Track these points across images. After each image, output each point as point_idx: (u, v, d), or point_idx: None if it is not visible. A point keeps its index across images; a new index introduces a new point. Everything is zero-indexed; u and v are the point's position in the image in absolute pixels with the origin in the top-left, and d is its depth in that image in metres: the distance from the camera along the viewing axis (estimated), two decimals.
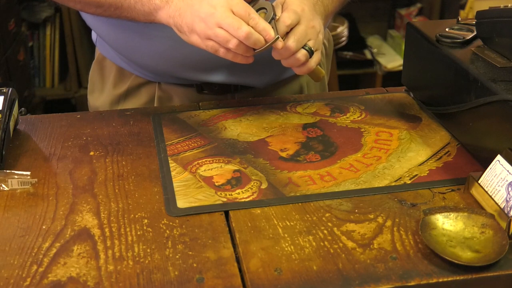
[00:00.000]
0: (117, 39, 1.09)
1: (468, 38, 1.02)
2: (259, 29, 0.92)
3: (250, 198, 0.87)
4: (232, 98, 1.20)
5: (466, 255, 0.74)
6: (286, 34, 0.96)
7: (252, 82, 1.14)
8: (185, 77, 1.14)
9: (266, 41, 0.93)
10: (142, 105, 1.21)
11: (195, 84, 1.17)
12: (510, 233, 0.77)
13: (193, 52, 1.03)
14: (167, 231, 0.80)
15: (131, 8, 1.01)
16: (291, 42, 0.95)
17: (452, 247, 0.75)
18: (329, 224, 0.81)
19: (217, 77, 1.14)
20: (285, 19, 0.95)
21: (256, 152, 0.99)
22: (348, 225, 0.81)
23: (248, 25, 0.92)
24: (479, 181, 0.85)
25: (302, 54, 0.97)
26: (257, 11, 0.96)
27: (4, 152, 0.94)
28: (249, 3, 0.97)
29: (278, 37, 0.93)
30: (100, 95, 1.27)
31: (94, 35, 1.27)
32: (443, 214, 0.80)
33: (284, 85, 1.24)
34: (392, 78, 2.94)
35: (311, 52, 0.97)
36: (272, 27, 0.94)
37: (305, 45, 0.97)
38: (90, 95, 1.31)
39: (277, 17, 0.95)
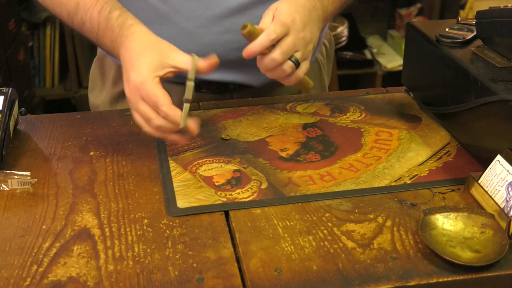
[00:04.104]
0: None
1: (468, 38, 1.02)
2: (170, 120, 0.90)
3: (250, 198, 0.87)
4: (230, 97, 1.20)
5: (466, 255, 0.74)
6: (273, 45, 0.95)
7: (249, 81, 1.14)
8: (182, 75, 1.15)
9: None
10: None
11: None
12: (510, 233, 0.77)
13: (189, 50, 1.03)
14: (167, 231, 0.80)
15: (96, 38, 1.02)
16: (277, 54, 0.95)
17: (452, 247, 0.75)
18: (329, 224, 0.81)
19: (214, 75, 1.13)
20: (270, 32, 0.95)
21: (256, 152, 0.99)
22: (348, 225, 0.81)
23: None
24: (479, 181, 0.85)
25: (288, 65, 0.97)
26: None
27: (4, 152, 0.94)
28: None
29: (181, 128, 0.90)
30: (100, 93, 1.27)
31: None
32: (443, 214, 0.80)
33: (282, 85, 1.23)
34: (392, 78, 2.94)
35: (297, 64, 0.97)
36: (185, 113, 0.90)
37: (291, 56, 0.96)
38: (90, 93, 1.31)
39: (190, 97, 0.92)
